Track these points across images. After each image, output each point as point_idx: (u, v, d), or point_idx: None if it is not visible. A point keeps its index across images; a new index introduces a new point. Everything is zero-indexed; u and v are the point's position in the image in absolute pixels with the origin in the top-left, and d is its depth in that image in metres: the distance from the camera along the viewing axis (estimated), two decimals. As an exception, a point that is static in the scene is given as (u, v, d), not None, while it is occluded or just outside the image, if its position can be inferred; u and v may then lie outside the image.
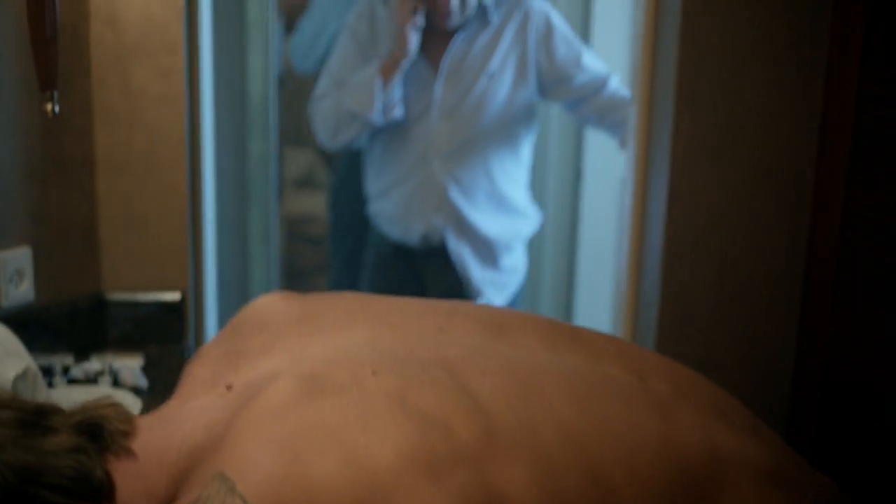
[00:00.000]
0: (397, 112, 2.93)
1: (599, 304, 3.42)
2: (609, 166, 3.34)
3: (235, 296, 3.15)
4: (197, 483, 0.88)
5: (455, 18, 2.89)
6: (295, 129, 4.56)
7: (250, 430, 0.87)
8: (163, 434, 0.98)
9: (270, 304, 1.13)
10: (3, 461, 0.91)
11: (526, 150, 3.09)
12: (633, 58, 2.53)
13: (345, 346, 0.99)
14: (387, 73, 2.87)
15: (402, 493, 0.83)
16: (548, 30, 2.95)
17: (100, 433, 0.98)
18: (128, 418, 1.02)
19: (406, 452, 0.85)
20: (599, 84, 3.02)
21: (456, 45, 2.94)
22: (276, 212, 3.37)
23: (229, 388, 0.96)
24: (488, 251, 3.04)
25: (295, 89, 4.39)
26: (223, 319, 2.55)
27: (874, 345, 2.13)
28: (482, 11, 2.93)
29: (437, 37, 2.94)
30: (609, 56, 3.27)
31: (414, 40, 2.86)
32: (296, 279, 4.39)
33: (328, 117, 2.99)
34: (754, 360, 2.42)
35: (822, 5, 2.25)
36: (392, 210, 3.07)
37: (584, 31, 3.51)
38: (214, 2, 2.53)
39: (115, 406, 1.04)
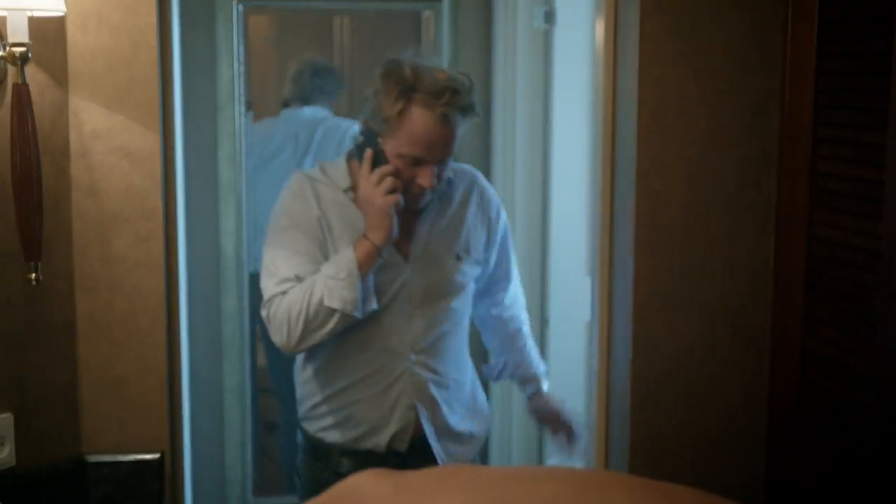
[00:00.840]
0: (372, 303, 2.49)
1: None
2: (575, 308, 3.43)
3: (211, 452, 3.18)
4: None
5: (427, 197, 2.55)
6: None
7: None
8: None
9: (365, 481, 1.12)
10: None
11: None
12: (591, 210, 2.64)
13: None
14: (366, 261, 2.42)
15: None
16: (497, 207, 2.77)
17: None
18: None
19: None
20: (506, 274, 2.87)
21: (423, 226, 2.60)
22: (249, 366, 3.42)
23: None
24: (460, 442, 2.71)
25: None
26: (199, 477, 2.58)
27: (838, 479, 2.20)
28: (445, 187, 2.64)
29: (400, 217, 2.51)
30: (569, 200, 3.39)
31: (395, 223, 2.45)
32: (271, 432, 4.40)
33: (292, 318, 2.41)
34: (725, 496, 2.47)
35: (767, 160, 2.38)
36: (349, 412, 2.60)
37: (545, 197, 3.64)
38: (187, 168, 2.63)
39: None
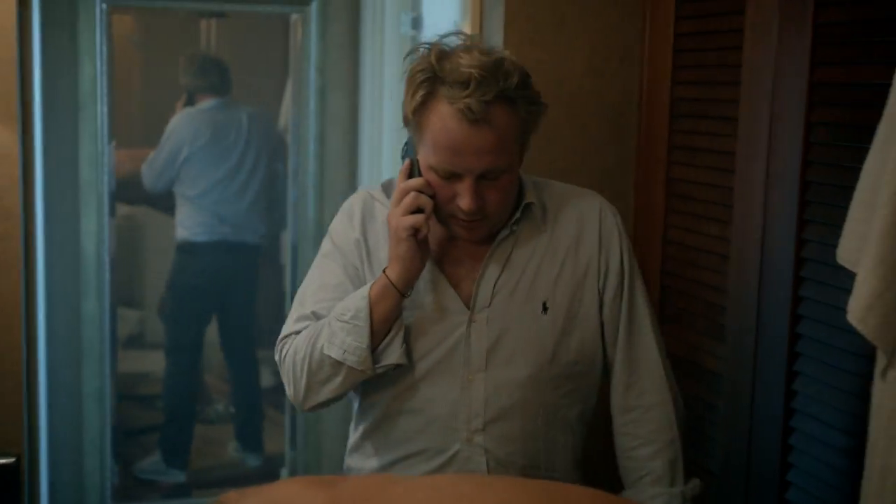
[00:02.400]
0: (394, 357, 1.83)
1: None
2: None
3: (68, 457, 3.11)
4: None
5: (491, 226, 1.84)
6: (127, 289, 4.55)
7: None
8: None
9: (299, 489, 1.11)
10: None
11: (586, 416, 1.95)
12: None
13: None
14: (380, 301, 1.81)
15: None
16: (621, 249, 1.90)
17: None
18: None
19: None
20: None
21: (495, 266, 1.86)
22: (109, 371, 3.36)
23: None
24: None
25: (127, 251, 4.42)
26: (56, 481, 2.53)
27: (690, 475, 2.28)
28: (537, 212, 1.88)
29: (466, 249, 1.88)
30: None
31: (416, 256, 1.80)
32: (129, 439, 4.32)
33: (297, 367, 1.87)
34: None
35: (626, 167, 2.46)
36: None
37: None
38: (47, 167, 2.58)
39: None
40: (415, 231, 1.76)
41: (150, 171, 4.22)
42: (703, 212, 2.24)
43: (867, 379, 1.54)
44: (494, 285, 1.84)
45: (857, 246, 1.48)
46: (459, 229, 1.82)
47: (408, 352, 1.83)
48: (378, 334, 1.80)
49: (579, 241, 1.87)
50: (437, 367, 1.86)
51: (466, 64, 1.70)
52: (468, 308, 1.84)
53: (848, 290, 1.46)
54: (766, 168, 2.01)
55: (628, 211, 2.47)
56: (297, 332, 1.89)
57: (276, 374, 1.99)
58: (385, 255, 1.85)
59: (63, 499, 2.57)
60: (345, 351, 1.80)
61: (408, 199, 1.77)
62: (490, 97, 1.69)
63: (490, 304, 1.83)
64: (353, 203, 1.96)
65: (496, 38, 2.41)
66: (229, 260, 4.26)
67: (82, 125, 3.24)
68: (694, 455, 2.25)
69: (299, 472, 3.47)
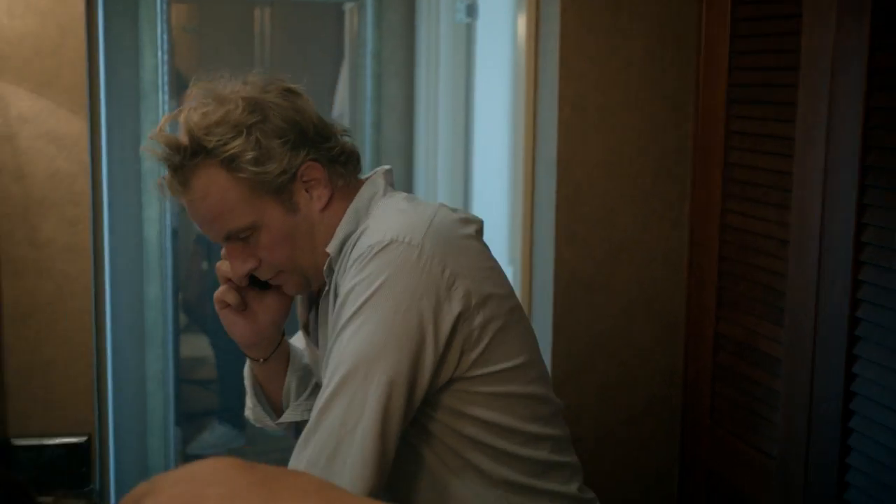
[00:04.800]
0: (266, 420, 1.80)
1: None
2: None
3: (134, 437, 3.18)
4: None
5: (291, 282, 1.63)
6: (186, 274, 4.64)
7: None
8: None
9: (229, 463, 1.12)
10: None
11: None
12: (512, 200, 2.71)
13: None
14: (256, 368, 1.77)
15: None
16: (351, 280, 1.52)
17: None
18: None
19: None
20: None
21: (320, 311, 1.66)
22: (172, 354, 3.43)
23: None
24: None
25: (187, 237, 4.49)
26: (123, 461, 2.60)
27: (748, 458, 2.29)
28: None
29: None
30: (490, 192, 3.46)
31: (235, 325, 1.67)
32: (189, 421, 4.40)
33: None
34: (643, 478, 2.56)
35: (683, 152, 2.48)
36: None
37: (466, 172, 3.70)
38: (111, 156, 2.64)
39: None
40: (224, 304, 1.63)
41: None
42: (761, 197, 2.24)
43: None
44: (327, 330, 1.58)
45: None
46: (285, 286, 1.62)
47: None
48: (271, 392, 1.74)
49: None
50: None
51: (159, 141, 1.52)
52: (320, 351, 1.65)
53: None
54: (825, 153, 2.02)
55: (685, 196, 2.48)
56: None
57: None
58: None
59: (129, 477, 2.63)
60: (247, 409, 1.76)
61: (217, 273, 1.64)
62: (180, 170, 1.50)
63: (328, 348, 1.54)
64: None
65: (553, 26, 2.43)
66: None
67: (144, 114, 3.31)
68: (753, 439, 2.27)
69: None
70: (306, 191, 1.54)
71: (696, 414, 2.49)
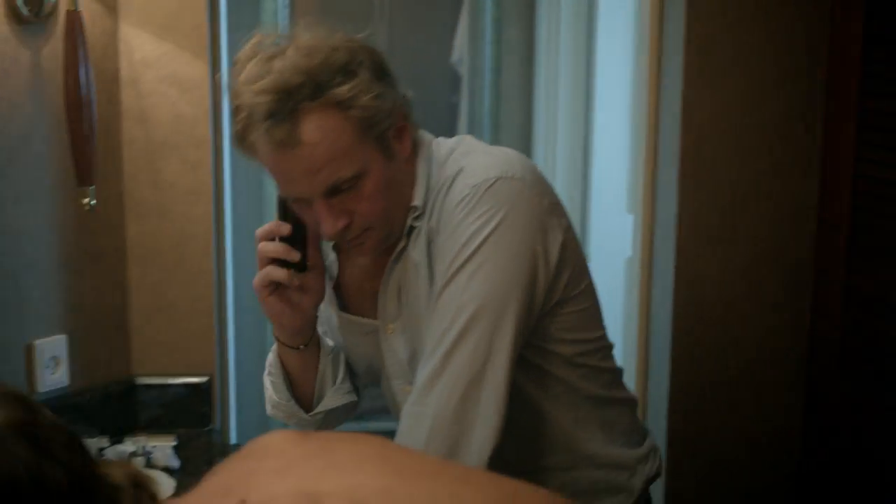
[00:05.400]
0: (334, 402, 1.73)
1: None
2: (616, 244, 3.44)
3: (255, 380, 3.23)
4: None
5: (372, 241, 1.53)
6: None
7: None
8: None
9: (284, 436, 1.13)
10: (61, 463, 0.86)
11: None
12: (634, 145, 2.64)
13: (354, 490, 0.98)
14: (286, 357, 1.72)
15: None
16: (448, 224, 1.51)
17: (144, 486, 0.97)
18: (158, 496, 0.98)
19: None
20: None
21: (392, 276, 1.59)
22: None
23: (243, 503, 0.96)
24: None
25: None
26: (244, 402, 2.63)
27: (877, 415, 2.22)
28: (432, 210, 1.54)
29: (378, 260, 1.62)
30: (611, 138, 3.39)
31: (284, 311, 1.61)
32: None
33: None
34: (764, 432, 2.50)
35: (815, 97, 2.38)
36: None
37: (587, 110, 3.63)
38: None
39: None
40: (276, 285, 1.56)
41: None
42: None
43: None
44: (398, 297, 1.58)
45: None
46: (353, 250, 1.57)
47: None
48: (304, 383, 1.68)
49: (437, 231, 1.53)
50: (382, 384, 1.69)
51: (255, 90, 1.40)
52: (380, 321, 1.61)
53: None
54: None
55: (816, 143, 2.38)
56: None
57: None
58: None
59: (250, 417, 2.67)
60: (273, 406, 1.70)
61: (259, 255, 1.57)
62: (289, 117, 1.40)
63: (400, 315, 1.58)
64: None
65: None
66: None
67: (264, 57, 3.31)
68: (883, 395, 2.18)
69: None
70: (396, 137, 1.50)
71: (823, 369, 2.41)
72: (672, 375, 2.44)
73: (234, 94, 1.44)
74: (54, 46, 2.14)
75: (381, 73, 1.47)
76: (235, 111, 1.44)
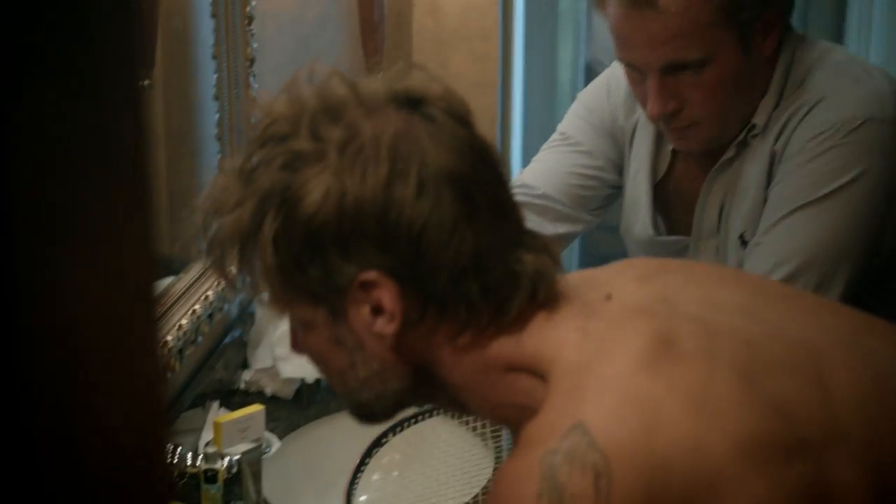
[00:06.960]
0: None
1: None
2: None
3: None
4: (546, 400, 0.88)
5: (694, 137, 1.44)
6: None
7: (613, 383, 0.87)
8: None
9: (645, 258, 1.17)
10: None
11: None
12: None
13: (716, 307, 0.98)
14: None
15: (730, 485, 0.83)
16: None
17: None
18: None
19: (744, 441, 0.84)
20: None
21: (713, 188, 1.47)
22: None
23: (609, 297, 0.95)
24: None
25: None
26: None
27: None
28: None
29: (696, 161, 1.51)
30: None
31: None
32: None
33: None
34: None
35: None
36: None
37: None
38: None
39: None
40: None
41: None
42: None
43: None
44: (720, 212, 1.44)
45: None
46: (669, 138, 1.44)
47: None
48: None
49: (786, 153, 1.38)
50: None
51: None
52: (692, 237, 1.48)
53: None
54: None
55: None
56: None
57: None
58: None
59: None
60: None
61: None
62: None
63: (715, 234, 1.45)
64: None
65: None
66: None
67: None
68: None
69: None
70: (761, 31, 1.34)
71: None
72: None
73: None
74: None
75: None
76: None
